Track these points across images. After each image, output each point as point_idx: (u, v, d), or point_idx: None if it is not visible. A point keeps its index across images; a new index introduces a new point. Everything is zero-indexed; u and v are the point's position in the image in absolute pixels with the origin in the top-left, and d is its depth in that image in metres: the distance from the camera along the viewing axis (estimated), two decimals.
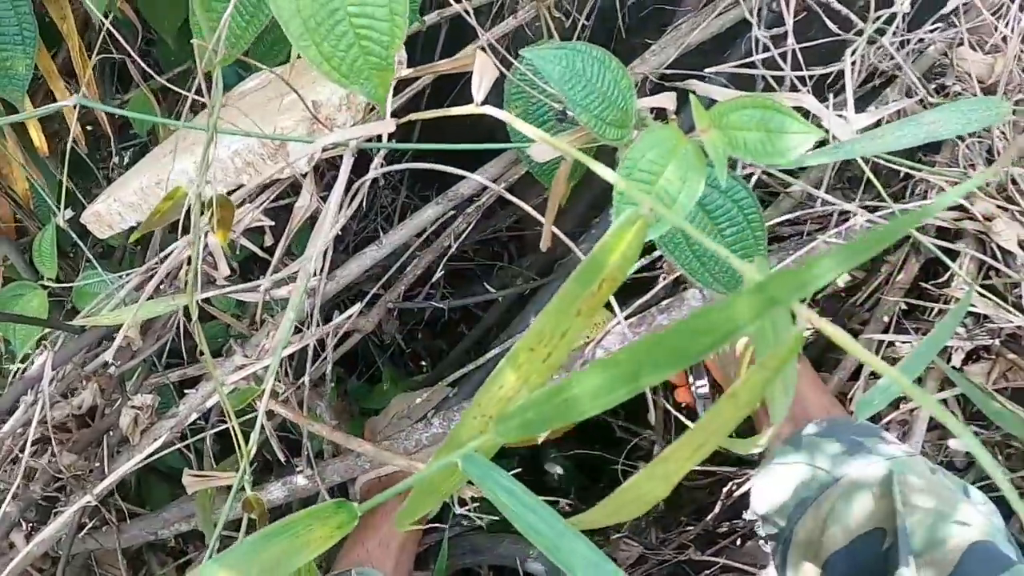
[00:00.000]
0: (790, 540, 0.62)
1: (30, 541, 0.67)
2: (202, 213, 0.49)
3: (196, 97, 0.49)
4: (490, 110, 0.39)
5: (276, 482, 0.76)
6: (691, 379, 0.84)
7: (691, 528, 0.91)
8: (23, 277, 0.88)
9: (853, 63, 0.61)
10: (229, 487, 0.61)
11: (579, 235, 0.84)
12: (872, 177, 0.57)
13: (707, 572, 0.87)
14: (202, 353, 0.48)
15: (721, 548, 0.87)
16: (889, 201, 0.57)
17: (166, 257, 0.61)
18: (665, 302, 0.66)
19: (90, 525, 0.77)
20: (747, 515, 0.89)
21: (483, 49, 0.55)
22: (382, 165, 0.58)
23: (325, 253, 0.55)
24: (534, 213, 0.57)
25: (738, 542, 0.89)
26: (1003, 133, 0.64)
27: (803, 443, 0.65)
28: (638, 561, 0.92)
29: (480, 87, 0.43)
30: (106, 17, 0.63)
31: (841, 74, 0.61)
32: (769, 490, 0.65)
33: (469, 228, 0.70)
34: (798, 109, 0.44)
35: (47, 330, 0.74)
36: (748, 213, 0.47)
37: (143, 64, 0.65)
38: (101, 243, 0.87)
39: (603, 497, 0.32)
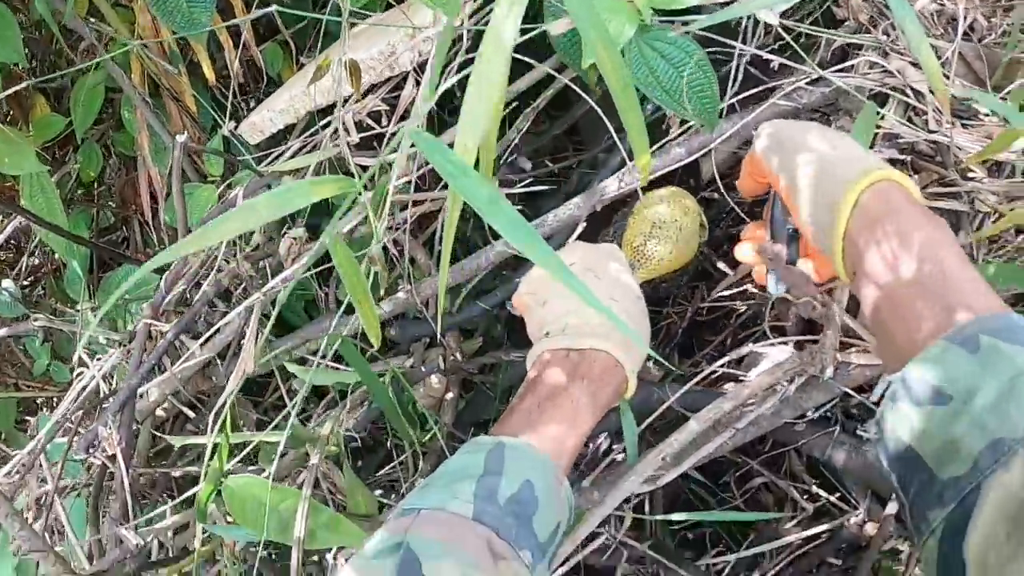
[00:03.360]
0: (976, 498, 0.43)
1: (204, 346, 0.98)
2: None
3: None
4: None
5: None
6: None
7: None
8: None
9: None
10: None
11: None
12: (794, 43, 0.82)
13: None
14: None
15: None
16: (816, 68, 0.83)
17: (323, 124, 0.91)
18: None
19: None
20: (863, 428, 0.79)
21: None
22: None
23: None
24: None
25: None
26: None
27: (981, 346, 0.47)
28: None
29: None
30: None
31: None
32: (929, 418, 0.47)
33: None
34: None
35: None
36: (699, 61, 0.74)
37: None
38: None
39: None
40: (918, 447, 0.48)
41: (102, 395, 0.98)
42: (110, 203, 1.55)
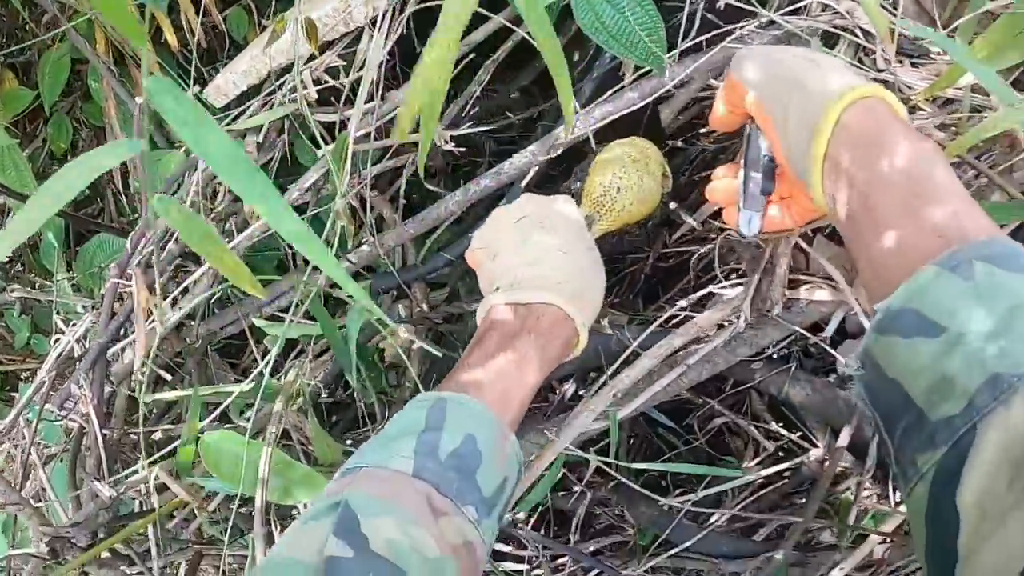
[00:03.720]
0: (972, 439, 0.39)
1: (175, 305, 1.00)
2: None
3: None
4: None
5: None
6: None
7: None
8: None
9: None
10: None
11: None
12: None
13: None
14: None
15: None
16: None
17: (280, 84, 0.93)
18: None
19: None
20: (842, 362, 0.79)
21: None
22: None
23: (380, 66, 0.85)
24: None
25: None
26: None
27: (975, 274, 0.43)
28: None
29: None
30: None
31: None
32: (919, 352, 0.44)
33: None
34: None
35: None
36: (643, 3, 0.75)
37: None
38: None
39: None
40: (905, 384, 0.45)
41: (76, 357, 1.00)
42: None
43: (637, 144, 0.87)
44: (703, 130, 1.09)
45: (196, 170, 0.98)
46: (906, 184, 0.50)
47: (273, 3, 1.21)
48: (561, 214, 0.78)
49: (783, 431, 0.98)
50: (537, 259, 0.72)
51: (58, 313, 1.33)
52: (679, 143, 1.11)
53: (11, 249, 0.44)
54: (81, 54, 1.25)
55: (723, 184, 0.72)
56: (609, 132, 0.90)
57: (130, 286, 0.91)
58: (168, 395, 0.96)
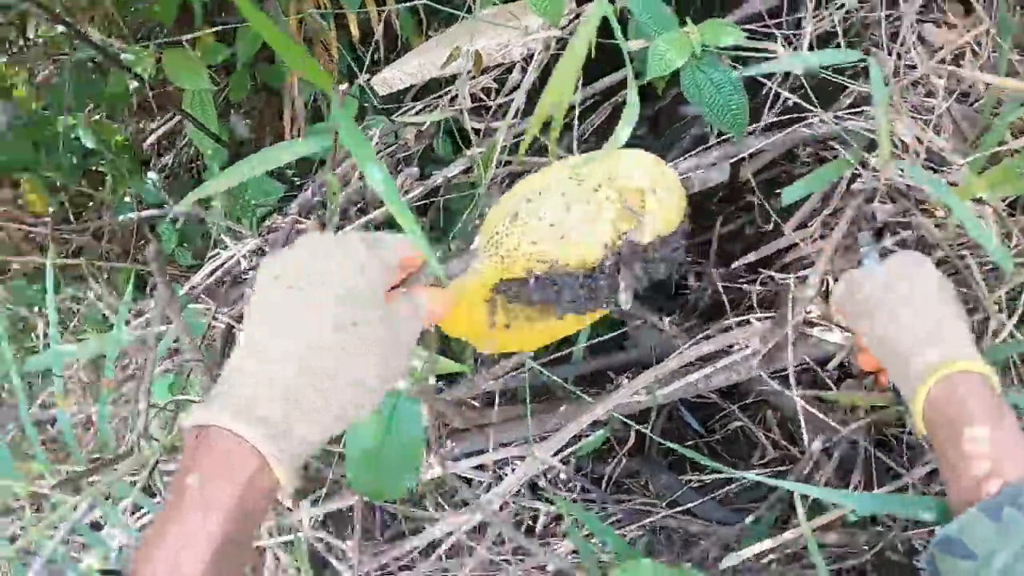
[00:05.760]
0: None
1: None
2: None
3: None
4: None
5: None
6: None
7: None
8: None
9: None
10: None
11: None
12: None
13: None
14: None
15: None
16: None
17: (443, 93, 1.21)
18: None
19: None
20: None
21: None
22: None
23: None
24: None
25: None
26: None
27: (1003, 517, 0.64)
28: None
29: None
30: None
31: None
32: (961, 568, 0.66)
33: None
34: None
35: None
36: (735, 84, 1.00)
37: None
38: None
39: None
40: None
41: (242, 269, 1.29)
42: (247, 121, 1.88)
43: (607, 161, 0.71)
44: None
45: None
46: (965, 449, 0.69)
47: (437, 19, 1.49)
48: (339, 265, 0.58)
49: (783, 441, 1.22)
50: (255, 345, 0.56)
51: (208, 236, 1.64)
52: (755, 199, 1.36)
53: (214, 192, 0.71)
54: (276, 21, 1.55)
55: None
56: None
57: (303, 224, 1.20)
58: None
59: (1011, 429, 0.69)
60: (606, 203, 0.67)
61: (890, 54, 1.13)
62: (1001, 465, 0.66)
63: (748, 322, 1.14)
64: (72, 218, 2.07)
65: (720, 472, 1.19)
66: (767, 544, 0.92)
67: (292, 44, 0.57)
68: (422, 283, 0.64)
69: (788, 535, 0.92)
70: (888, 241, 1.01)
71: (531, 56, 1.14)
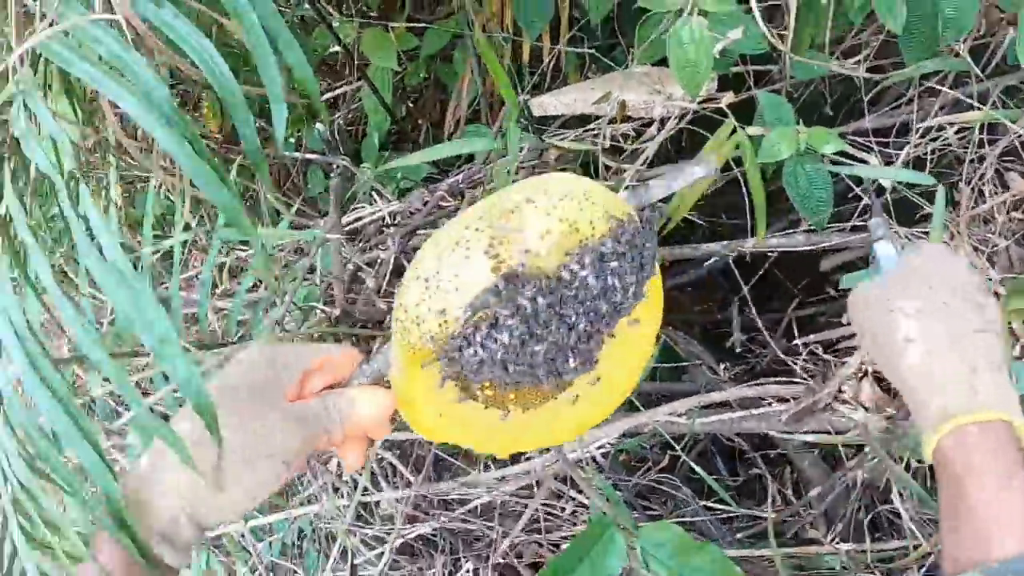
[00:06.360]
0: None
1: None
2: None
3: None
4: None
5: None
6: None
7: None
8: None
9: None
10: None
11: None
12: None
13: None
14: None
15: None
16: None
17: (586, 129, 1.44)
18: None
19: None
20: None
21: None
22: None
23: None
24: None
25: None
26: None
27: None
28: None
29: None
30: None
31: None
32: None
33: None
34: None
35: None
36: (824, 180, 1.20)
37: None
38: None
39: None
40: None
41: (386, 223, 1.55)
42: (409, 103, 2.15)
43: (528, 186, 0.64)
44: None
45: None
46: (968, 508, 0.65)
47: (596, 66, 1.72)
48: (245, 370, 0.64)
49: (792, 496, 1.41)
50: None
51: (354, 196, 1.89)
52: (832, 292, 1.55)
53: (414, 162, 0.96)
54: (460, 33, 1.81)
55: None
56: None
57: (448, 203, 1.44)
58: None
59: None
60: (474, 234, 0.60)
61: (973, 191, 1.31)
62: (1004, 532, 0.63)
63: (790, 383, 1.33)
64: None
65: (737, 512, 1.39)
66: None
67: (497, 63, 0.81)
68: (354, 384, 0.66)
69: None
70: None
71: (667, 118, 1.35)
